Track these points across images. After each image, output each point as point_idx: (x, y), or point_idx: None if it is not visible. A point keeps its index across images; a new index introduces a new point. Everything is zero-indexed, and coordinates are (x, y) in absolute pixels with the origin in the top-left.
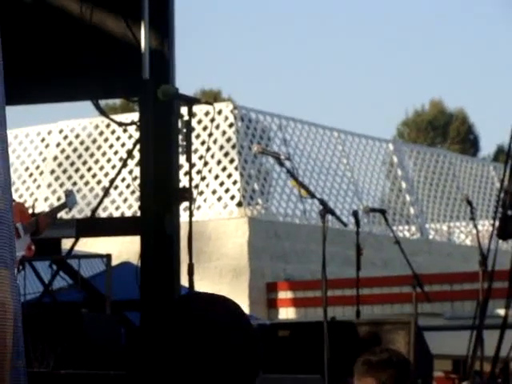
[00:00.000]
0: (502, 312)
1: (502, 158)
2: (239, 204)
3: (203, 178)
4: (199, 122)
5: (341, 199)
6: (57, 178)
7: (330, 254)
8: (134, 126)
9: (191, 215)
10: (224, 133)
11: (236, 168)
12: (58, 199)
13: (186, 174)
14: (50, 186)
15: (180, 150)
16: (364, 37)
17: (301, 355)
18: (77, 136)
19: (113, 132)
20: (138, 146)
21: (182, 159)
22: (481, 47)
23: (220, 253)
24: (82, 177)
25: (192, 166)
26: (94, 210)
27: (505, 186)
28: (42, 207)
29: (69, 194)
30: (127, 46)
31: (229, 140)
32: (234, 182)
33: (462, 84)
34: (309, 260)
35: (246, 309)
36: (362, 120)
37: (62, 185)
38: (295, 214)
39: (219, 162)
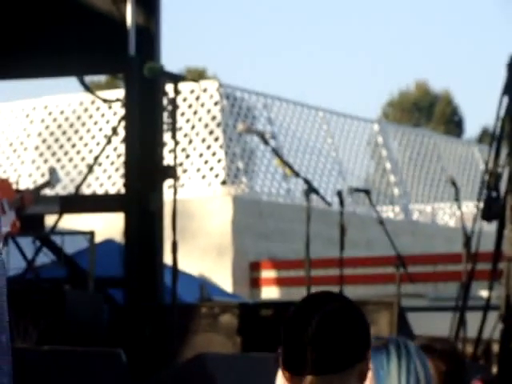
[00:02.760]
0: (484, 294)
1: (486, 140)
2: (223, 182)
3: (188, 156)
4: (184, 99)
5: (325, 179)
6: (41, 154)
7: (314, 233)
8: (119, 103)
9: (175, 193)
10: (209, 111)
11: (221, 146)
12: (42, 175)
13: (170, 151)
14: (34, 161)
15: (165, 127)
16: (350, 17)
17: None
18: (61, 112)
19: (98, 109)
20: (122, 123)
21: (167, 137)
22: (467, 28)
23: (204, 231)
24: (66, 153)
25: (177, 143)
26: (78, 187)
27: (489, 168)
28: (25, 183)
29: (52, 171)
30: (113, 23)
31: (214, 118)
32: (219, 161)
33: (447, 65)
34: (292, 239)
35: (229, 287)
36: (347, 100)
37: (46, 161)
38: (279, 193)
39: (204, 140)
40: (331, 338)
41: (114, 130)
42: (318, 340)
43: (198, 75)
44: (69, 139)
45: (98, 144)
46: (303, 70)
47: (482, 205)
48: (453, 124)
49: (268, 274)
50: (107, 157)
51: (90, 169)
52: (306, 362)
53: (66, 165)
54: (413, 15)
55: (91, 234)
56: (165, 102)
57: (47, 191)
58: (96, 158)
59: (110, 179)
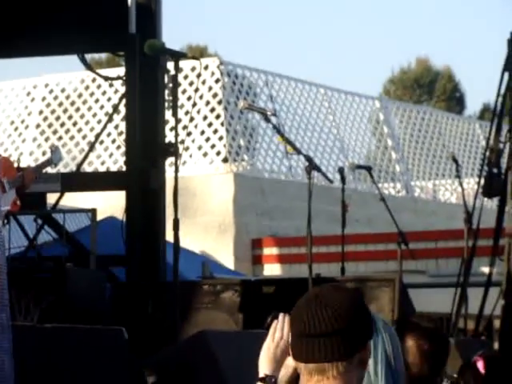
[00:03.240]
0: (486, 270)
1: (487, 116)
2: (225, 160)
3: (189, 134)
4: (185, 77)
5: (326, 156)
6: (42, 132)
7: (316, 210)
8: (120, 81)
9: (177, 170)
10: (210, 88)
11: (222, 124)
12: (43, 153)
13: (171, 129)
14: (35, 139)
15: (166, 105)
16: None
17: (285, 311)
18: (62, 90)
19: (99, 86)
20: (123, 101)
21: (168, 114)
22: (468, 4)
23: (205, 208)
24: (67, 131)
25: (178, 121)
26: (80, 165)
27: (490, 144)
28: (27, 161)
29: (54, 150)
30: (114, 1)
31: (215, 95)
32: (220, 138)
33: (448, 42)
34: (294, 216)
35: (230, 265)
36: (349, 77)
37: (47, 139)
38: (281, 170)
39: (205, 118)
40: (334, 328)
41: (115, 108)
42: (321, 330)
43: (199, 53)
44: (70, 117)
45: (99, 122)
46: (304, 47)
47: (483, 181)
48: (454, 100)
49: (270, 251)
50: (108, 134)
51: (92, 147)
52: (309, 350)
53: (68, 143)
54: None
55: (93, 211)
56: (166, 79)
57: (48, 169)
58: (97, 136)
59: (112, 157)
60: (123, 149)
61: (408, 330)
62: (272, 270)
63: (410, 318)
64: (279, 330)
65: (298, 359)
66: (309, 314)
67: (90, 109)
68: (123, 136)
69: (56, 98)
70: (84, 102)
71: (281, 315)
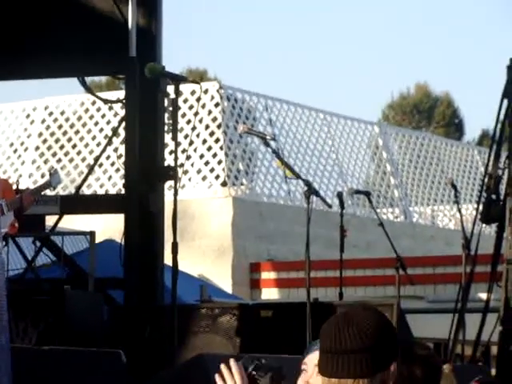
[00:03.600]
0: (484, 296)
1: (486, 143)
2: (224, 184)
3: (188, 157)
4: (185, 100)
5: (325, 181)
6: (41, 155)
7: (314, 235)
8: (119, 104)
9: (176, 194)
10: (210, 112)
11: (221, 148)
12: (43, 176)
13: (171, 152)
14: (34, 162)
15: (165, 128)
16: (351, 19)
17: (283, 336)
18: (62, 113)
19: (98, 109)
20: (123, 124)
21: (168, 138)
22: (468, 31)
23: (204, 232)
24: (66, 154)
25: (177, 144)
26: (79, 188)
27: (489, 171)
28: (26, 183)
29: (53, 172)
30: (114, 24)
31: (214, 119)
32: (219, 162)
33: (447, 68)
34: (292, 241)
35: (228, 288)
36: (348, 102)
37: (46, 161)
38: (280, 194)
39: (204, 142)
40: (360, 346)
41: (115, 131)
42: (346, 347)
43: (198, 76)
44: (69, 140)
45: (98, 145)
46: (304, 71)
47: (481, 207)
48: (453, 126)
49: (268, 275)
50: (108, 157)
51: (91, 169)
52: (334, 366)
53: (67, 165)
54: (413, 17)
55: (91, 234)
56: (166, 102)
57: (47, 192)
58: (96, 159)
59: (111, 180)
60: (122, 172)
61: (401, 357)
62: (270, 294)
63: (403, 345)
64: (230, 379)
65: (323, 374)
66: (336, 331)
67: (89, 131)
68: (122, 159)
69: (55, 120)
70: (83, 125)
71: (231, 361)
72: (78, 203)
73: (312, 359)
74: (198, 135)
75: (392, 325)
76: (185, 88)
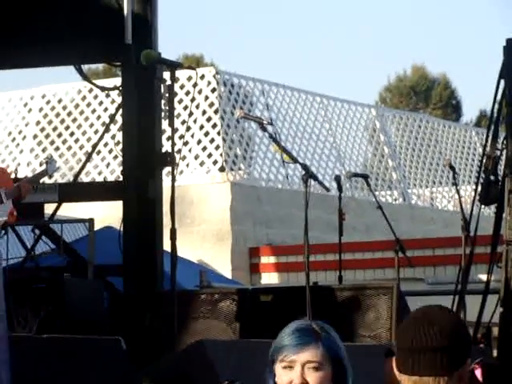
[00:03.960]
0: (484, 277)
1: (484, 123)
2: (222, 169)
3: (186, 143)
4: (182, 86)
5: (323, 164)
6: (39, 143)
7: (313, 218)
8: (116, 91)
9: (174, 180)
10: (206, 98)
11: (218, 133)
12: (41, 164)
13: (168, 138)
14: (32, 150)
15: (162, 114)
16: (346, 2)
17: (283, 320)
18: (59, 101)
19: (95, 97)
20: (120, 111)
21: (165, 124)
22: (464, 12)
23: (202, 218)
24: (64, 142)
25: (174, 130)
26: (77, 175)
27: (487, 152)
28: (24, 172)
29: (49, 161)
30: (110, 11)
31: (211, 105)
32: (217, 147)
33: (444, 49)
34: (291, 225)
35: (228, 274)
36: (345, 85)
37: (44, 149)
38: (278, 178)
39: (202, 127)
40: (439, 345)
41: (112, 118)
42: (427, 346)
43: (195, 62)
44: (67, 128)
45: (96, 132)
46: (300, 55)
47: (480, 188)
48: (450, 108)
49: (267, 259)
50: (105, 145)
51: (89, 157)
52: (415, 364)
53: (65, 153)
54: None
55: (90, 221)
56: (162, 89)
57: (46, 180)
58: (94, 146)
59: (109, 167)
60: (120, 159)
61: None
62: (269, 278)
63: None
64: None
65: (403, 372)
66: (416, 331)
67: (86, 119)
68: (120, 146)
69: (53, 108)
70: (81, 113)
71: None
72: (77, 191)
73: (301, 358)
74: (195, 121)
75: (465, 324)
76: (181, 74)
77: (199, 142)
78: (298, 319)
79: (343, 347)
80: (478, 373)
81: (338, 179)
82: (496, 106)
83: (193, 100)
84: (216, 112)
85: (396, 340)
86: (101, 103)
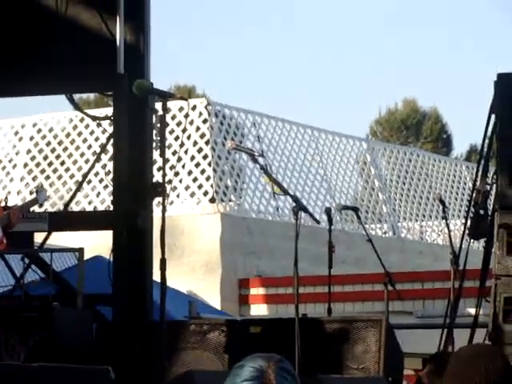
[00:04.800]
0: (472, 311)
1: (474, 158)
2: (212, 200)
3: (176, 174)
4: (173, 117)
5: (313, 197)
6: (30, 172)
7: (302, 251)
8: (108, 121)
9: (164, 210)
10: (198, 128)
11: (209, 164)
12: (31, 193)
13: (159, 169)
14: (22, 179)
15: (154, 145)
16: (338, 35)
17: (272, 351)
18: (50, 130)
19: (87, 126)
20: (111, 141)
21: (156, 154)
22: (455, 46)
23: (192, 248)
24: (55, 171)
25: (165, 161)
26: (67, 204)
27: (477, 186)
28: (14, 200)
29: (40, 190)
30: (102, 41)
31: (203, 136)
32: (208, 178)
33: (435, 83)
34: (281, 256)
35: (217, 305)
36: (336, 118)
37: (34, 178)
38: (268, 210)
39: (193, 158)
40: (501, 380)
41: (103, 148)
42: (496, 381)
43: (186, 93)
44: (58, 157)
45: (86, 161)
46: (291, 88)
47: (469, 223)
48: (441, 142)
49: (257, 291)
50: (96, 174)
51: (79, 186)
52: None
53: (55, 182)
54: (400, 33)
55: (80, 250)
56: (154, 119)
57: (36, 209)
58: (85, 176)
59: (99, 196)
60: (110, 188)
61: (438, 368)
62: (259, 310)
63: (447, 356)
64: None
65: None
66: (484, 367)
67: (77, 148)
68: (111, 176)
69: (44, 137)
70: (72, 142)
71: None
72: (67, 220)
73: None
74: (186, 152)
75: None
76: (173, 104)
77: (190, 172)
78: (252, 358)
79: None
80: None
81: (328, 212)
82: (486, 140)
83: (184, 131)
84: (207, 143)
85: (456, 377)
86: (92, 133)
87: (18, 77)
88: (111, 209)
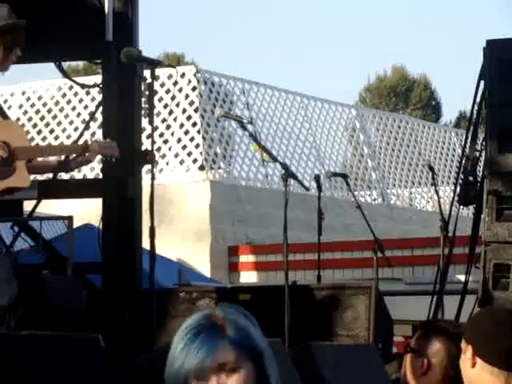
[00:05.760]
0: (462, 278)
1: (463, 125)
2: (201, 167)
3: (166, 142)
4: (162, 85)
5: (303, 164)
6: None
7: (292, 218)
8: (97, 89)
9: (153, 178)
10: (187, 96)
11: (198, 131)
12: None
13: (148, 136)
14: None
15: (142, 112)
16: (328, 2)
17: (261, 319)
18: (39, 98)
19: (75, 94)
20: (100, 109)
21: (145, 122)
22: (445, 12)
23: (182, 216)
24: (44, 139)
25: (154, 129)
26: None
27: (466, 153)
28: None
29: None
30: (91, 8)
31: (191, 103)
32: (197, 146)
33: (424, 50)
34: (270, 224)
35: (207, 272)
36: (325, 85)
37: None
38: (257, 177)
39: (182, 126)
40: None
41: (92, 116)
42: None
43: (175, 60)
44: (47, 125)
45: (76, 129)
46: (280, 55)
47: (458, 189)
48: (430, 108)
49: (246, 258)
50: None
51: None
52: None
53: None
54: (390, 0)
55: (69, 218)
56: (142, 87)
57: None
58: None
59: (88, 164)
60: (99, 156)
61: (436, 333)
62: (248, 277)
63: (436, 323)
64: None
65: (500, 368)
66: None
67: (66, 116)
68: None
69: (33, 105)
70: (61, 110)
71: None
72: (56, 188)
73: (210, 364)
74: (175, 119)
75: None
76: (162, 72)
77: (179, 140)
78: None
79: (260, 335)
80: None
81: (317, 178)
82: (475, 107)
83: (173, 98)
84: (196, 110)
85: (488, 340)
86: (81, 101)
87: None
88: (100, 177)
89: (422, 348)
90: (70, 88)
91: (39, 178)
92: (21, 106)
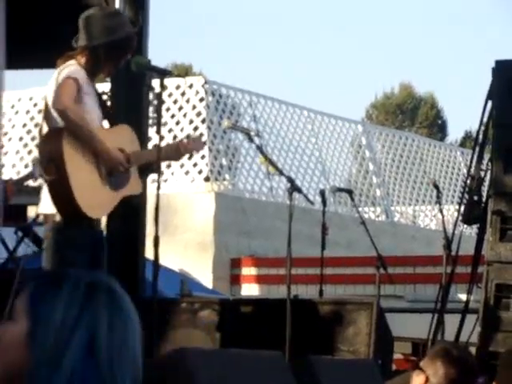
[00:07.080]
0: (463, 297)
1: (469, 144)
2: (206, 179)
3: None
4: (170, 95)
5: (308, 178)
6: (25, 145)
7: (296, 232)
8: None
9: (158, 187)
10: (194, 107)
11: (205, 143)
12: (26, 166)
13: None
14: (17, 152)
15: (150, 122)
16: (337, 18)
17: (262, 332)
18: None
19: None
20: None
21: (152, 131)
22: (453, 31)
23: (186, 226)
24: None
25: (161, 138)
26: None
27: (471, 172)
28: (9, 174)
29: (35, 163)
30: None
31: (199, 114)
32: (202, 157)
33: (432, 68)
34: (274, 237)
35: (209, 283)
36: (332, 100)
37: (30, 152)
38: (262, 190)
39: (188, 137)
40: None
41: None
42: None
43: (184, 71)
44: None
45: None
46: (289, 69)
47: (463, 208)
48: (436, 127)
49: (248, 271)
50: None
51: None
52: None
53: None
54: (398, 17)
55: None
56: (150, 96)
57: (30, 182)
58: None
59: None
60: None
61: (442, 356)
62: (250, 290)
63: (441, 345)
64: None
65: None
66: None
67: None
68: None
69: (40, 111)
70: None
71: None
72: None
73: None
74: (181, 130)
75: None
76: (170, 82)
77: None
78: None
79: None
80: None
81: (322, 193)
82: (482, 127)
83: (180, 109)
84: (203, 122)
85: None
86: None
87: (15, 51)
88: None
89: (426, 366)
90: None
91: None
92: (28, 112)
